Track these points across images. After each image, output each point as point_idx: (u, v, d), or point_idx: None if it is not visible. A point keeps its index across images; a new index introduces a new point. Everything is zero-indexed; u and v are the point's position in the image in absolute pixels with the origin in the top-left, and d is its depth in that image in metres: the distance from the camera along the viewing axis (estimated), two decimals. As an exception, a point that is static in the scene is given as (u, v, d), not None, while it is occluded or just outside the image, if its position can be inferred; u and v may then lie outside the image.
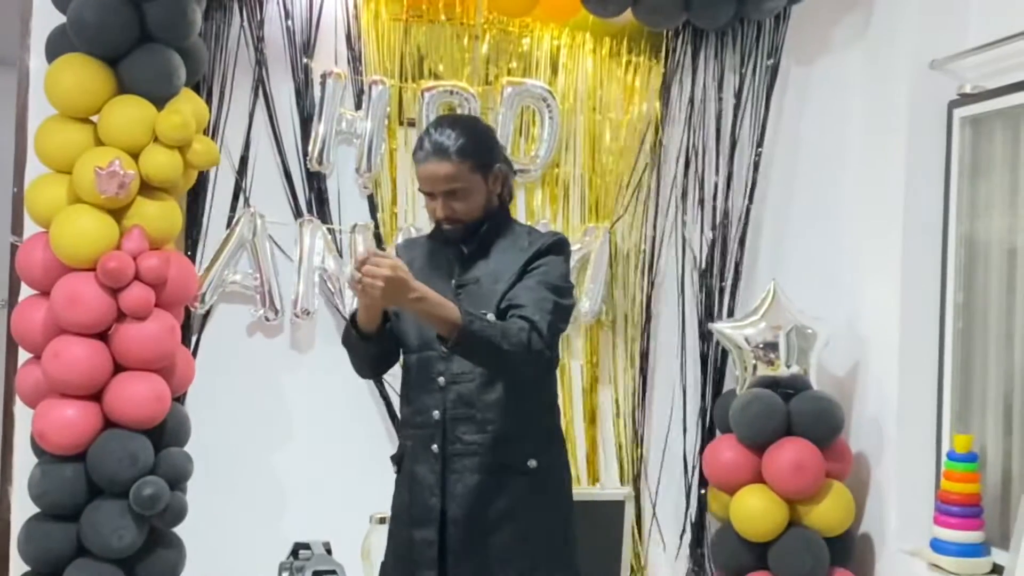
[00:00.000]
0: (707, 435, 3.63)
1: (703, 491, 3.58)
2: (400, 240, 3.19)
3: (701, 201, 3.60)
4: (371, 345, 2.40)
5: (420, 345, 2.42)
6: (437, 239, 2.48)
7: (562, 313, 2.33)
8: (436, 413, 2.39)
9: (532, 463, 2.38)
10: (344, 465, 3.37)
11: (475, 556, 2.38)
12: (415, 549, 2.43)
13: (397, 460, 2.57)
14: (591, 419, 3.59)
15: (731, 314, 3.59)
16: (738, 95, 3.61)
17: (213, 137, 3.23)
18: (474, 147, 2.36)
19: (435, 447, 2.40)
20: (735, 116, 3.61)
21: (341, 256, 3.37)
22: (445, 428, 2.39)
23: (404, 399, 2.50)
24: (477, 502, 2.38)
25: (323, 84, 3.33)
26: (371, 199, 3.42)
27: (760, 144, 3.60)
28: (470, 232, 2.40)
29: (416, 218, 3.43)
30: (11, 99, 3.14)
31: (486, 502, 2.37)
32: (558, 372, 3.50)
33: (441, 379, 2.39)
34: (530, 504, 2.38)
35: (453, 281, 2.40)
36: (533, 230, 2.51)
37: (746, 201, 3.60)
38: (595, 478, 3.57)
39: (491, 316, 2.29)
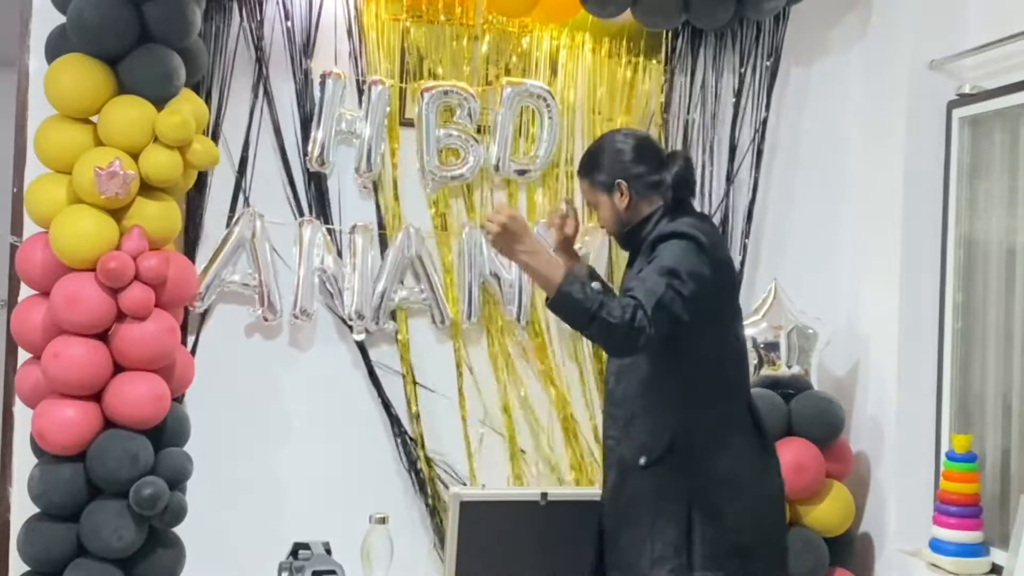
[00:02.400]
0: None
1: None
2: None
3: (700, 201, 3.59)
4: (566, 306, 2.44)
5: None
6: None
7: (674, 294, 2.31)
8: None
9: (642, 460, 2.45)
10: (344, 465, 3.37)
11: (612, 552, 2.52)
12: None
13: None
14: (594, 419, 3.58)
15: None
16: (737, 95, 3.61)
17: (213, 137, 3.23)
18: (592, 165, 2.59)
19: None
20: (734, 116, 3.61)
21: (341, 257, 3.37)
22: (605, 423, 2.64)
23: None
24: (612, 497, 2.54)
25: (323, 84, 3.33)
26: (371, 199, 3.41)
27: (760, 144, 3.60)
28: (621, 242, 2.64)
29: (414, 219, 3.43)
30: (11, 99, 3.14)
31: (617, 497, 2.53)
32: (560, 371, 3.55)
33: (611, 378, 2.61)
34: (640, 500, 2.46)
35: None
36: (664, 226, 2.50)
37: (746, 201, 3.60)
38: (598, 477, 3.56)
39: (596, 284, 2.45)
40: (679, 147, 3.60)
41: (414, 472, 3.40)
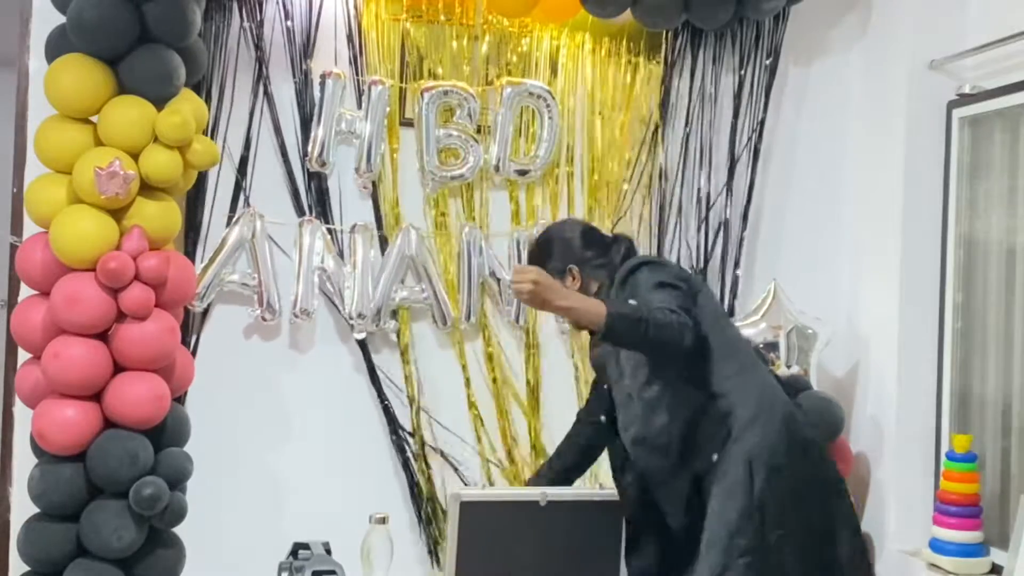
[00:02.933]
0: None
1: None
2: None
3: (700, 201, 3.59)
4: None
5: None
6: None
7: (677, 295, 2.52)
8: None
9: (715, 457, 2.55)
10: (344, 465, 3.37)
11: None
12: None
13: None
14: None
15: (731, 314, 3.59)
16: (737, 95, 3.61)
17: (213, 137, 3.22)
18: (544, 254, 2.76)
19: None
20: (734, 116, 3.61)
21: (341, 257, 3.37)
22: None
23: None
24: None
25: (323, 84, 3.33)
26: (371, 199, 3.42)
27: (759, 144, 3.60)
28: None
29: (415, 219, 3.43)
30: (11, 99, 3.14)
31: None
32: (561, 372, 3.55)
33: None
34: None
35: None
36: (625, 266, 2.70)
37: (745, 201, 3.60)
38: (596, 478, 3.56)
39: (632, 302, 2.50)
40: (679, 147, 3.60)
41: (408, 473, 3.40)
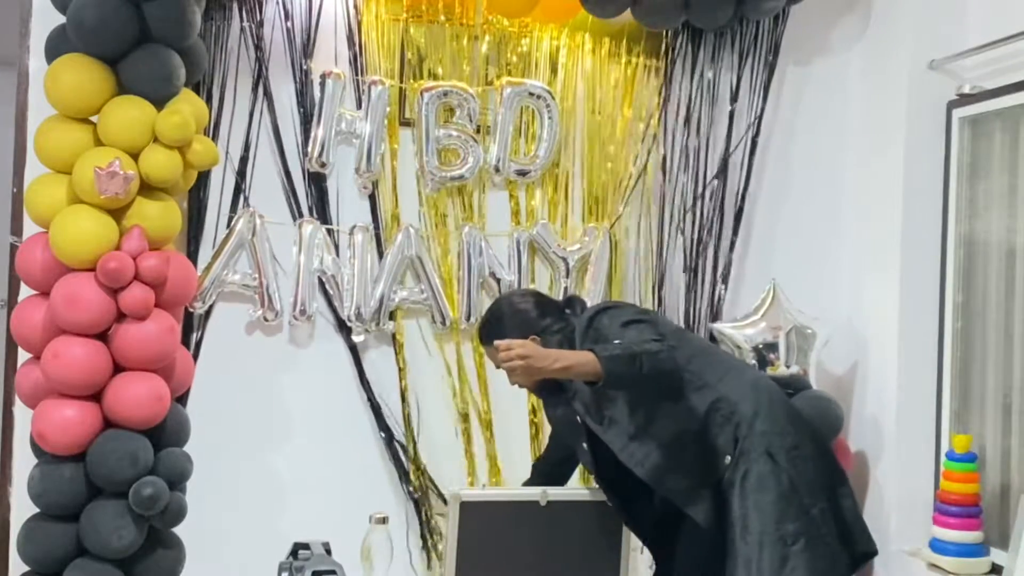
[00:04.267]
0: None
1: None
2: None
3: (700, 200, 3.59)
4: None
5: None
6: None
7: (644, 327, 2.59)
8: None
9: (727, 459, 2.62)
10: (344, 465, 3.37)
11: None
12: None
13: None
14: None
15: (720, 316, 3.59)
16: (736, 95, 3.61)
17: (213, 137, 3.22)
18: (499, 331, 2.72)
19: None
20: (733, 116, 3.61)
21: (340, 257, 3.37)
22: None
23: None
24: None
25: (323, 84, 3.33)
26: (371, 199, 3.42)
27: (758, 143, 3.60)
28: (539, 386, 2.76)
29: (414, 219, 3.43)
30: (11, 99, 3.14)
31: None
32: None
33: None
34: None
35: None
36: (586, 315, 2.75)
37: (745, 200, 3.60)
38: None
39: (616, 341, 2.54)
40: (679, 146, 3.60)
41: (400, 471, 3.40)
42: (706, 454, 2.61)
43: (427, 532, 3.41)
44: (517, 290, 3.36)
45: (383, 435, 3.40)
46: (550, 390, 2.77)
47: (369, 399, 3.40)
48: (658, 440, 2.60)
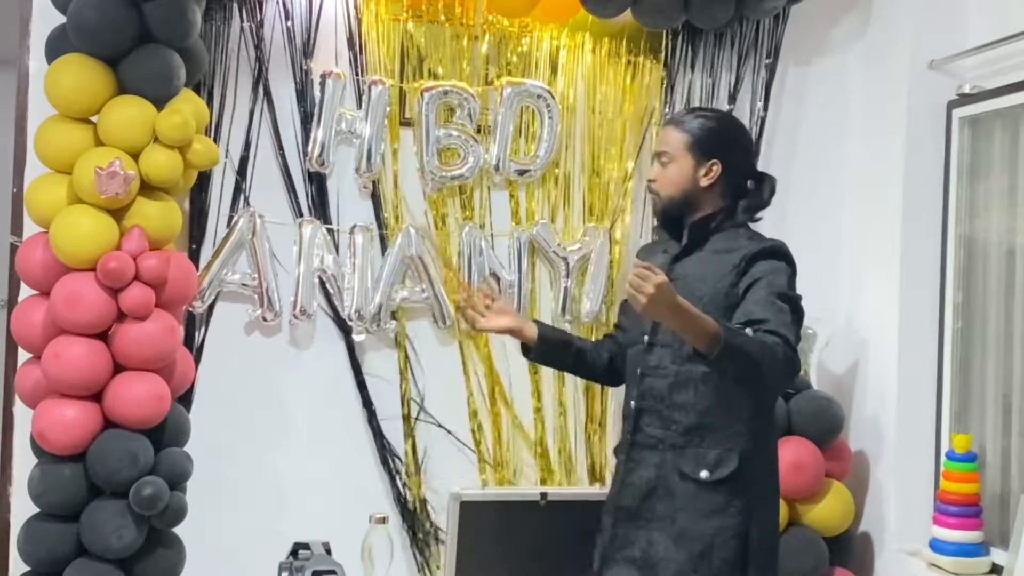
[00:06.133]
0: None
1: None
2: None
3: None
4: (549, 360, 2.70)
5: (632, 340, 2.55)
6: (661, 235, 2.60)
7: (799, 326, 2.35)
8: (632, 403, 2.48)
9: (704, 474, 2.38)
10: (344, 465, 3.37)
11: (630, 551, 2.44)
12: (599, 534, 2.53)
13: (616, 451, 2.63)
14: (593, 420, 3.58)
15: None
16: (736, 95, 3.61)
17: (213, 137, 3.22)
18: (702, 130, 2.45)
19: (629, 435, 2.48)
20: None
21: (341, 257, 3.37)
22: (636, 418, 2.47)
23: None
24: (644, 497, 2.43)
25: (323, 84, 3.33)
26: (371, 199, 3.41)
27: (758, 143, 3.60)
28: (666, 214, 2.50)
29: (415, 219, 3.43)
30: (11, 99, 3.14)
31: (651, 498, 2.43)
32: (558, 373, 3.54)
33: (638, 370, 2.47)
34: (694, 514, 2.38)
35: None
36: (756, 235, 2.49)
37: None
38: (598, 478, 3.56)
39: (748, 331, 2.24)
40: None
41: (390, 474, 3.40)
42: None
43: (420, 532, 3.40)
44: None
45: (377, 436, 3.39)
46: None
47: (364, 402, 3.39)
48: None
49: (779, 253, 2.41)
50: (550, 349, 2.66)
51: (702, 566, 2.37)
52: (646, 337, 2.48)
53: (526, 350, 2.66)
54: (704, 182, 2.46)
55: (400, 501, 3.40)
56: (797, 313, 2.35)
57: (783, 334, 2.24)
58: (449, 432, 3.45)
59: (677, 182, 2.46)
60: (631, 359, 2.55)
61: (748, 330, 2.24)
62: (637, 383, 2.48)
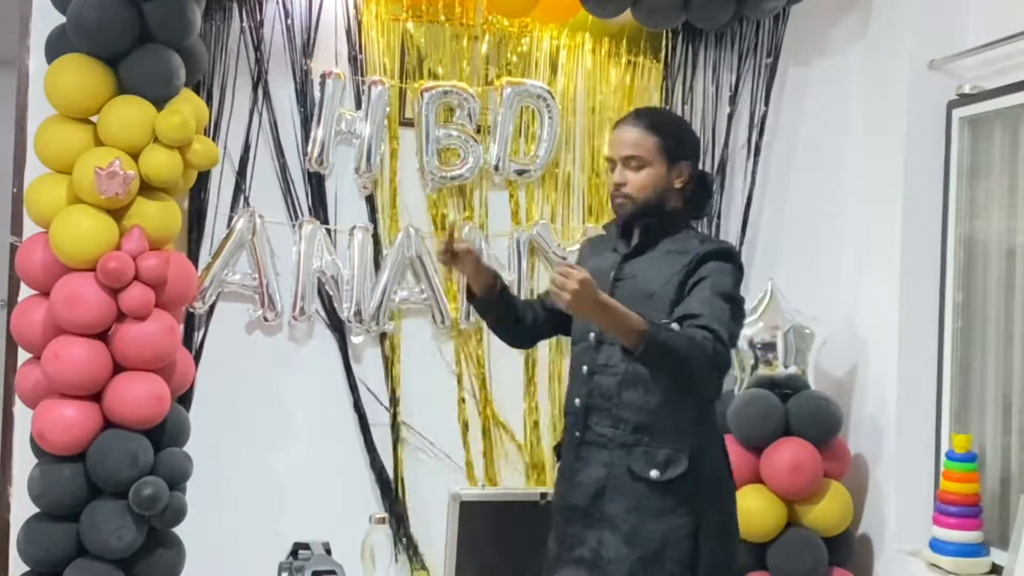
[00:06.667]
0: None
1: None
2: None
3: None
4: (487, 308, 2.59)
5: (578, 338, 2.52)
6: (611, 232, 2.57)
7: (736, 326, 2.36)
8: (578, 401, 2.47)
9: (654, 474, 2.37)
10: (344, 465, 3.37)
11: (580, 550, 2.42)
12: (550, 534, 2.52)
13: (556, 449, 2.63)
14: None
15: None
16: (736, 95, 3.61)
17: (213, 137, 3.22)
18: (670, 132, 2.47)
19: (576, 434, 2.46)
20: (733, 116, 3.61)
21: (340, 257, 3.37)
22: (584, 417, 2.45)
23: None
24: (594, 496, 2.42)
25: (323, 84, 3.33)
26: (370, 200, 3.41)
27: (758, 144, 3.60)
28: (636, 218, 2.46)
29: (414, 219, 3.43)
30: (11, 99, 3.14)
31: (601, 498, 2.41)
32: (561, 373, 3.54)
33: (585, 368, 2.46)
34: (645, 514, 2.37)
35: (612, 274, 2.44)
36: (707, 239, 2.55)
37: (744, 201, 3.60)
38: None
39: (675, 326, 2.27)
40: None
41: (376, 473, 3.40)
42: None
43: (408, 533, 3.40)
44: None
45: (366, 435, 3.39)
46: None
47: (355, 403, 3.39)
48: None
49: (728, 255, 2.44)
50: (489, 307, 2.61)
51: (654, 566, 2.36)
52: (592, 335, 2.47)
53: (471, 295, 2.60)
54: (677, 184, 2.48)
55: (387, 504, 3.39)
56: (737, 313, 2.37)
57: (714, 328, 2.26)
58: (432, 443, 3.45)
59: (652, 185, 2.45)
60: (577, 356, 2.52)
61: (675, 325, 2.28)
62: (585, 381, 2.46)
